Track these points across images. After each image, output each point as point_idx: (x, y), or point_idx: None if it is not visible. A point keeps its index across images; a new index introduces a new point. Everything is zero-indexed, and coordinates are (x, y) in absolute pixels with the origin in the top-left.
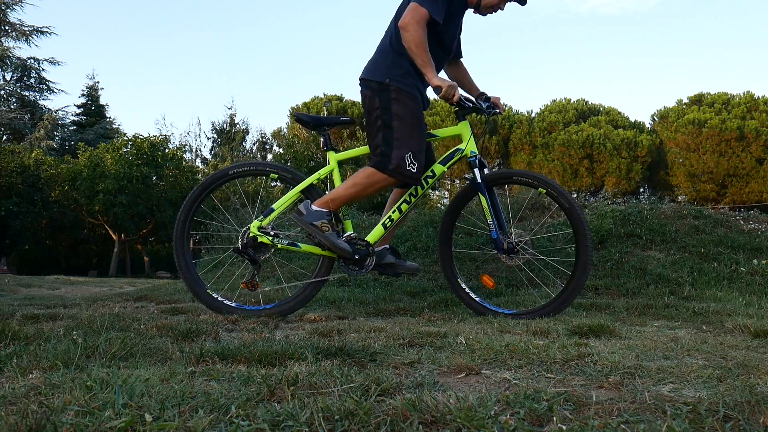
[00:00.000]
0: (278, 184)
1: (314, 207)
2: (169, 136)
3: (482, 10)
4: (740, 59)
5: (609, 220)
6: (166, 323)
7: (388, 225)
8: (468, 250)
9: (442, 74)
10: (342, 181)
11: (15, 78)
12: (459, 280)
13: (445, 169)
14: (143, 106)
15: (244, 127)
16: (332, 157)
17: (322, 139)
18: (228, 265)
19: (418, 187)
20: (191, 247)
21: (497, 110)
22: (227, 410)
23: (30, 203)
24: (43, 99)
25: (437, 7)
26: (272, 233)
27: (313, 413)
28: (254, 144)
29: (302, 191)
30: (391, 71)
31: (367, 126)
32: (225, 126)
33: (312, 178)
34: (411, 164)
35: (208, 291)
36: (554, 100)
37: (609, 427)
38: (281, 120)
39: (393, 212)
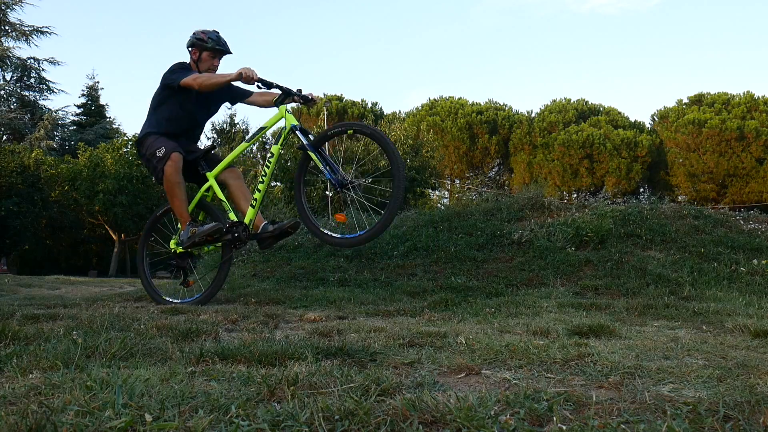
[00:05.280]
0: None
1: (182, 231)
2: None
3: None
4: (740, 59)
5: (609, 220)
6: (166, 323)
7: (255, 204)
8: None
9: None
10: (221, 192)
11: (15, 78)
12: (319, 226)
13: (280, 147)
14: (143, 106)
15: (244, 127)
16: (210, 176)
17: (203, 163)
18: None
19: (266, 168)
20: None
21: (310, 98)
22: (227, 410)
23: (30, 203)
24: (43, 99)
25: (187, 73)
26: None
27: (313, 413)
28: (254, 144)
29: (195, 207)
30: (147, 126)
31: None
32: (225, 126)
33: (197, 197)
34: (159, 150)
35: (154, 288)
36: (554, 100)
37: (609, 427)
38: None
39: (255, 193)
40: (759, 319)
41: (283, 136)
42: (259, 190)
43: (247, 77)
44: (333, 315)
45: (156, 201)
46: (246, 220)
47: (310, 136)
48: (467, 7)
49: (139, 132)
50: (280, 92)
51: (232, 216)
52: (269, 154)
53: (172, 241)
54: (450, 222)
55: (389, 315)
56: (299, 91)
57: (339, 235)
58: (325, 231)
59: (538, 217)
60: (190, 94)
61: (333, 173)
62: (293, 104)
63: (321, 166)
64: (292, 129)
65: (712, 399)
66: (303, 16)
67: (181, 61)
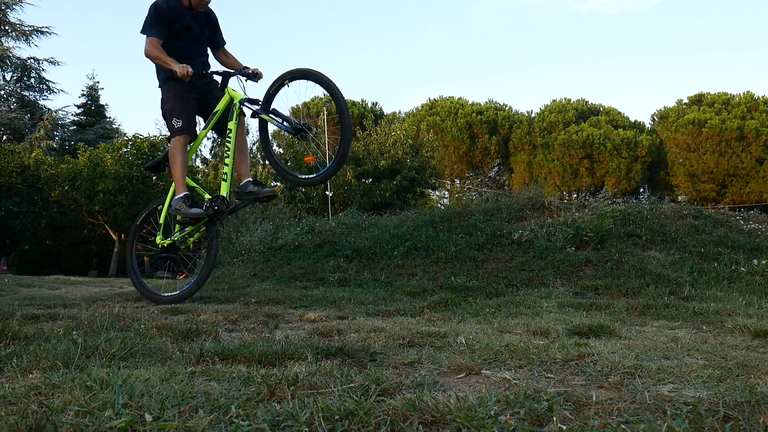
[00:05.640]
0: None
1: (176, 197)
2: None
3: (198, 8)
4: (740, 59)
5: (609, 220)
6: (166, 323)
7: (225, 178)
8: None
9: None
10: (192, 181)
11: (15, 78)
12: (295, 174)
13: (235, 122)
14: (143, 106)
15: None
16: None
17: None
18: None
19: (228, 144)
20: (138, 254)
21: (252, 73)
22: (227, 410)
23: (30, 203)
24: (43, 99)
25: (156, 30)
26: (175, 236)
27: (313, 413)
28: (254, 144)
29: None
30: (159, 76)
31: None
32: None
33: (171, 191)
34: (176, 121)
35: (148, 288)
36: (554, 100)
37: (609, 427)
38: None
39: (224, 168)
40: (759, 319)
41: (235, 112)
42: (226, 165)
43: (181, 75)
44: (333, 315)
45: None
46: (222, 193)
47: (258, 102)
48: (467, 7)
49: (156, 76)
50: (221, 78)
51: (206, 195)
52: (228, 131)
53: (158, 237)
54: (450, 222)
55: (389, 315)
56: (244, 69)
57: (313, 175)
58: (302, 176)
59: (538, 217)
60: (178, 40)
61: (288, 124)
62: (242, 79)
63: (276, 124)
64: (241, 103)
65: (712, 399)
66: (303, 15)
67: None
